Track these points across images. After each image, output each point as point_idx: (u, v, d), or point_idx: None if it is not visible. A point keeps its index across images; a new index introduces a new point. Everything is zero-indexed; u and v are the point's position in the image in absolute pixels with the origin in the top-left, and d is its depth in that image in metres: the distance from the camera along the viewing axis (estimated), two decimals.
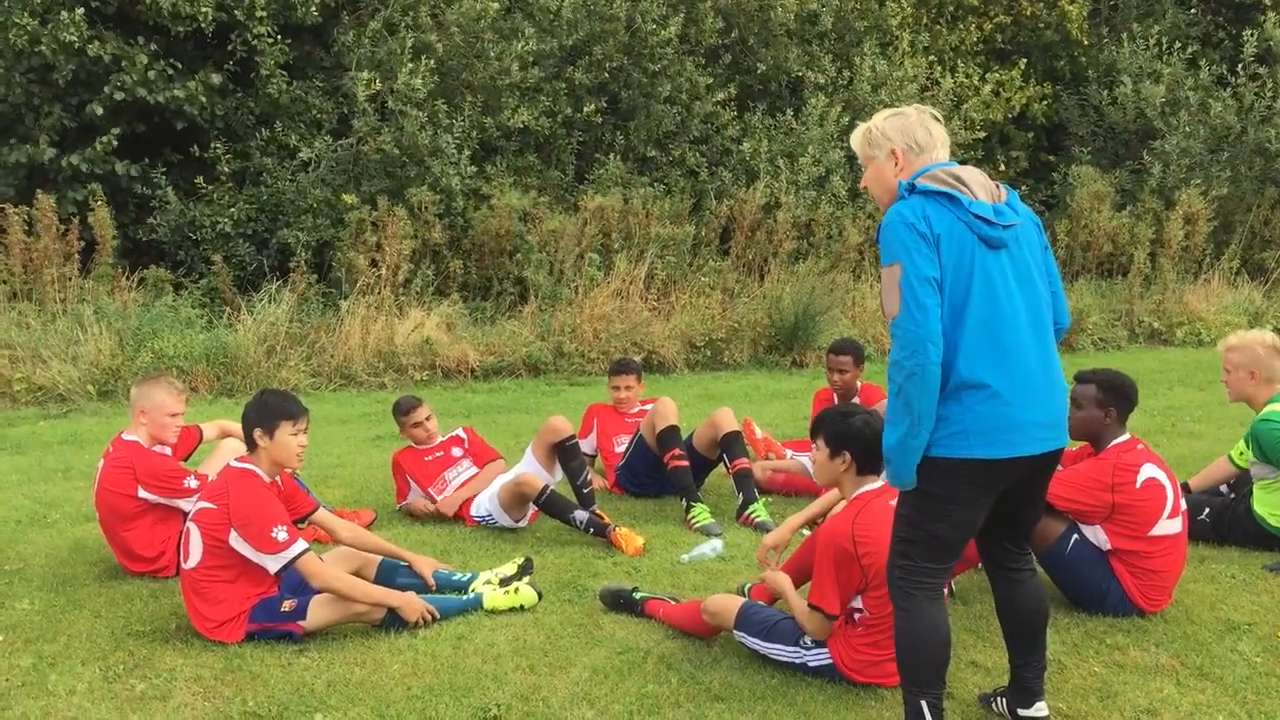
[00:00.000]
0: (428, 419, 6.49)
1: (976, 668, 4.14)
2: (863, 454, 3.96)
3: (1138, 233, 16.84)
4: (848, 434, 3.99)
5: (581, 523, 5.75)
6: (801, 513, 4.79)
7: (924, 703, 3.30)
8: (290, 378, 11.14)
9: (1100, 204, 17.02)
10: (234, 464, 4.56)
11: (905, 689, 3.37)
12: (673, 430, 6.40)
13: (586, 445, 7.07)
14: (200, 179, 13.25)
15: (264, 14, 12.94)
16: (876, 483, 3.99)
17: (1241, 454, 5.74)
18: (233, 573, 4.39)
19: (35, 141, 12.60)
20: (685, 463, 6.32)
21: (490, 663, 4.20)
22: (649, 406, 6.78)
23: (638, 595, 4.71)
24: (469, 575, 5.05)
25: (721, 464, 6.49)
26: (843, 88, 16.77)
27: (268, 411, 4.52)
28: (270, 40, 13.07)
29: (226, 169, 13.23)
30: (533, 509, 6.04)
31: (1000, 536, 3.50)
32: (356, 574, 4.81)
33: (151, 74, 12.59)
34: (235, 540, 4.34)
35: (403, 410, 6.52)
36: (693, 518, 6.07)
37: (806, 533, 4.80)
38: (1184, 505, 4.72)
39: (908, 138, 3.37)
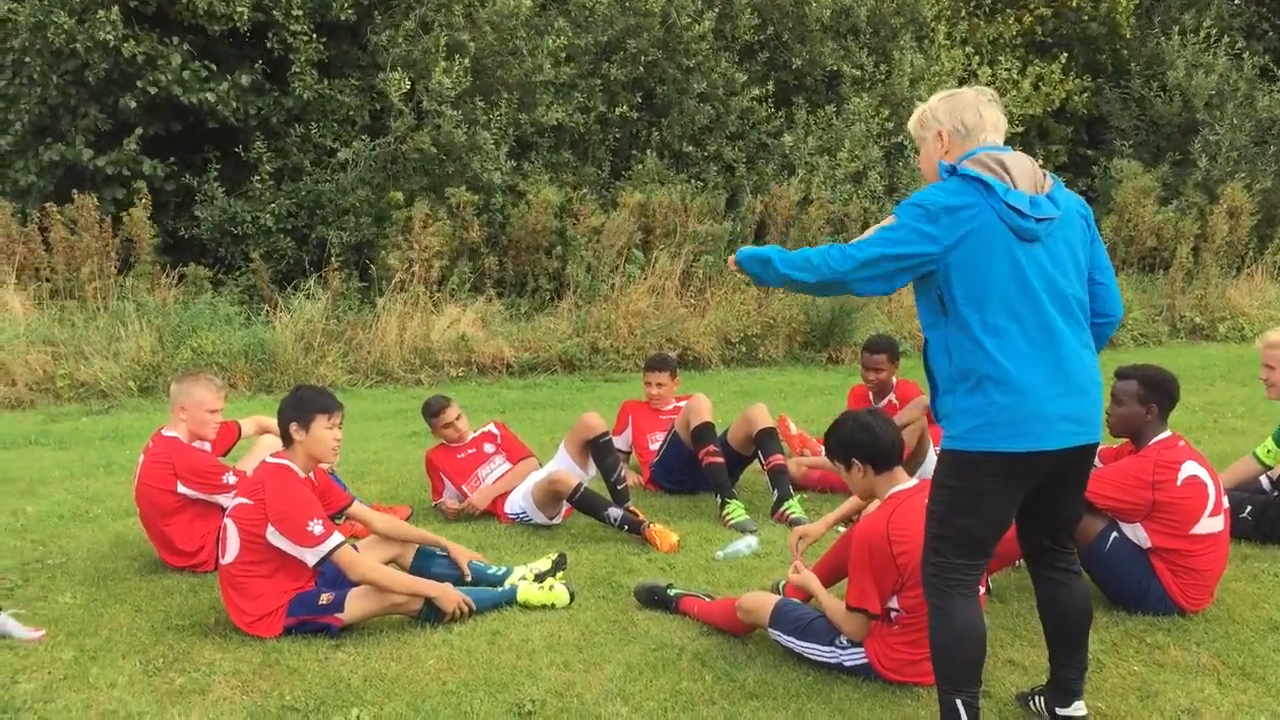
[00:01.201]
0: (457, 419, 6.50)
1: (1014, 666, 4.10)
2: (866, 454, 3.97)
3: (1181, 227, 16.62)
4: (846, 443, 4.02)
5: (615, 520, 5.75)
6: (838, 509, 4.77)
7: (959, 701, 3.27)
8: (327, 374, 11.23)
9: (1145, 198, 16.81)
10: (269, 460, 4.60)
11: (940, 688, 3.34)
12: (707, 427, 6.39)
13: (621, 442, 7.07)
14: (239, 175, 13.38)
15: (300, 12, 13.04)
16: (910, 482, 3.97)
17: (1270, 452, 5.65)
18: (270, 567, 4.43)
19: (71, 141, 12.77)
20: (720, 459, 6.30)
21: (525, 658, 4.21)
22: (684, 403, 6.77)
23: (672, 592, 4.71)
24: (504, 570, 5.06)
25: (756, 460, 6.48)
26: (880, 82, 16.67)
27: (303, 406, 4.56)
28: (305, 39, 13.17)
29: (269, 167, 13.35)
30: (567, 505, 6.04)
31: (1037, 533, 3.47)
32: (393, 562, 4.86)
33: (186, 74, 12.71)
34: (272, 535, 4.38)
35: (432, 412, 6.53)
36: (727, 514, 6.06)
37: (841, 529, 4.77)
38: (1226, 503, 4.65)
39: (955, 119, 3.36)
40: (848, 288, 3.28)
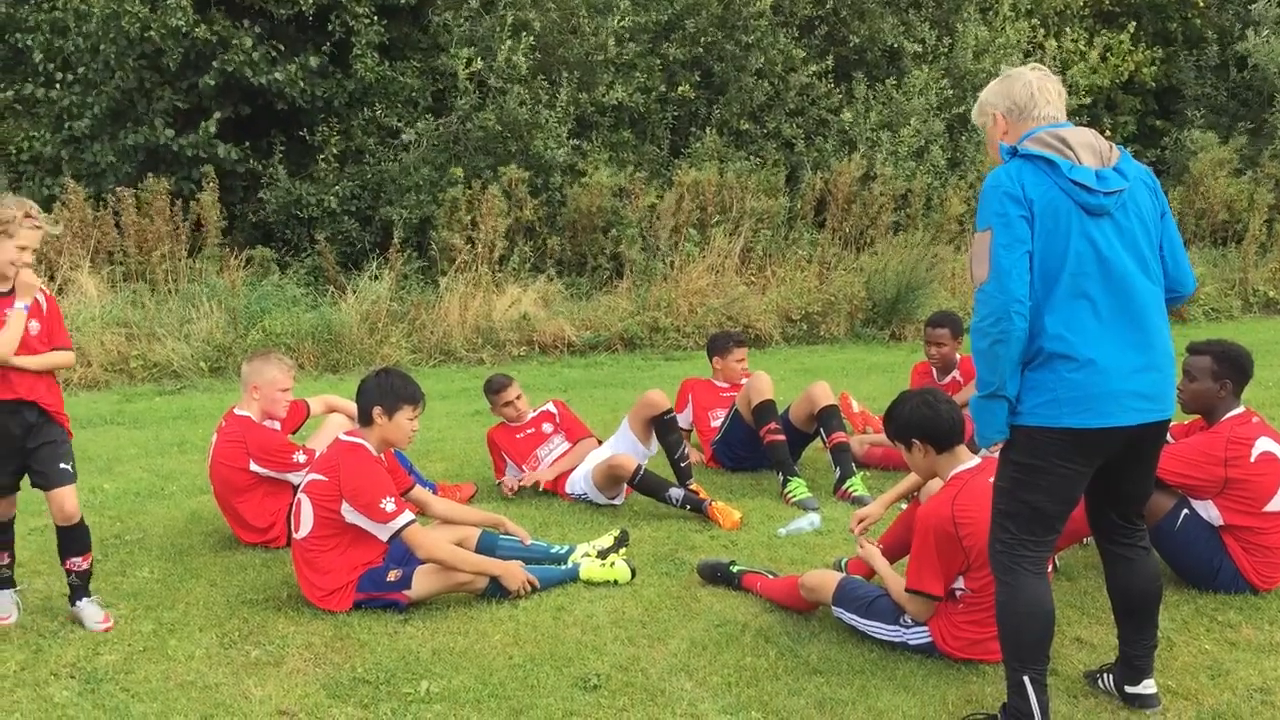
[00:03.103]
0: (517, 398, 6.55)
1: (1082, 644, 4.07)
2: (927, 434, 3.94)
3: (1257, 198, 16.19)
4: (906, 424, 3.99)
5: (677, 500, 5.77)
6: (896, 487, 4.75)
7: (1026, 678, 3.26)
8: (391, 354, 11.37)
9: (1218, 170, 16.41)
10: (343, 437, 4.67)
11: (1008, 664, 3.32)
12: (769, 404, 6.38)
13: (682, 420, 7.07)
14: (304, 158, 13.57)
15: None
16: (973, 461, 3.93)
17: None
18: (342, 543, 4.51)
19: (150, 124, 13.02)
20: (781, 437, 6.30)
21: (590, 633, 4.25)
22: (745, 381, 6.76)
23: (735, 569, 4.73)
24: (567, 548, 5.11)
25: (818, 438, 6.46)
26: (943, 55, 16.44)
27: (392, 393, 4.61)
28: (367, 21, 13.30)
29: (335, 150, 13.52)
30: (627, 486, 6.07)
31: (1107, 509, 3.44)
32: (459, 543, 4.91)
33: (256, 55, 12.91)
34: (347, 510, 4.46)
35: (493, 389, 6.60)
36: (789, 492, 6.05)
37: (903, 506, 4.75)
38: None
39: (1008, 100, 3.36)
40: (1022, 306, 3.07)
